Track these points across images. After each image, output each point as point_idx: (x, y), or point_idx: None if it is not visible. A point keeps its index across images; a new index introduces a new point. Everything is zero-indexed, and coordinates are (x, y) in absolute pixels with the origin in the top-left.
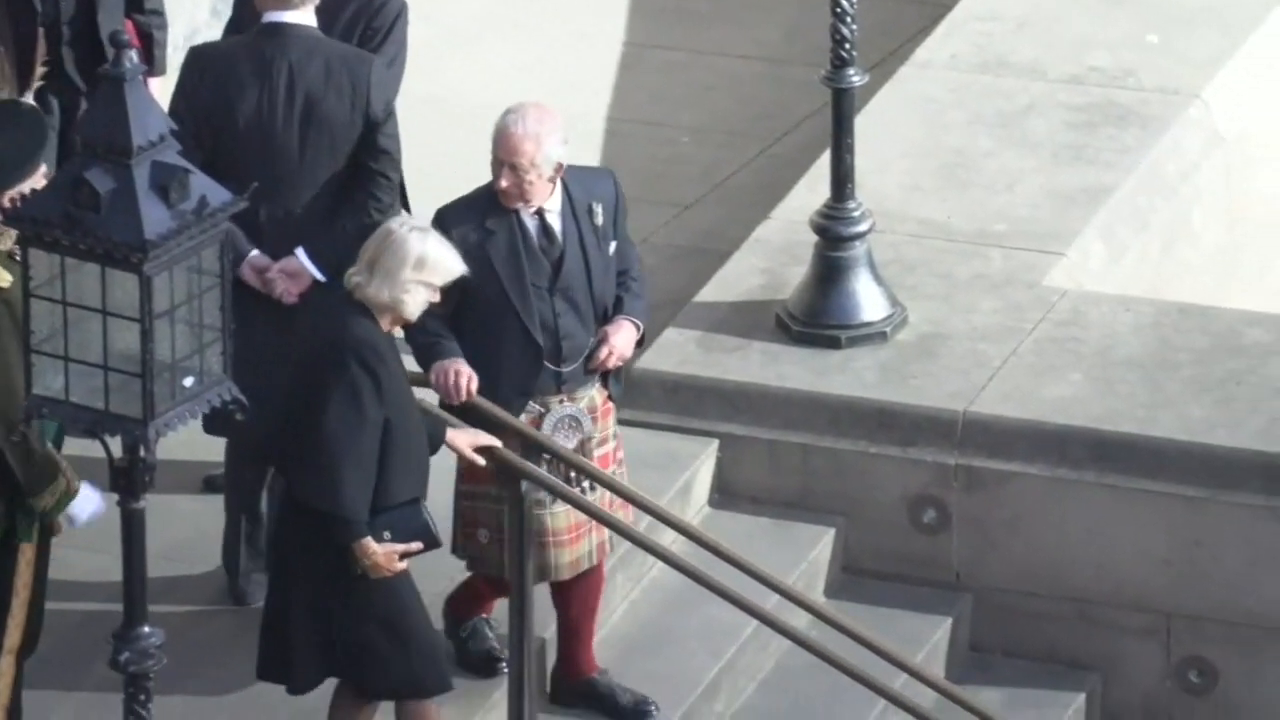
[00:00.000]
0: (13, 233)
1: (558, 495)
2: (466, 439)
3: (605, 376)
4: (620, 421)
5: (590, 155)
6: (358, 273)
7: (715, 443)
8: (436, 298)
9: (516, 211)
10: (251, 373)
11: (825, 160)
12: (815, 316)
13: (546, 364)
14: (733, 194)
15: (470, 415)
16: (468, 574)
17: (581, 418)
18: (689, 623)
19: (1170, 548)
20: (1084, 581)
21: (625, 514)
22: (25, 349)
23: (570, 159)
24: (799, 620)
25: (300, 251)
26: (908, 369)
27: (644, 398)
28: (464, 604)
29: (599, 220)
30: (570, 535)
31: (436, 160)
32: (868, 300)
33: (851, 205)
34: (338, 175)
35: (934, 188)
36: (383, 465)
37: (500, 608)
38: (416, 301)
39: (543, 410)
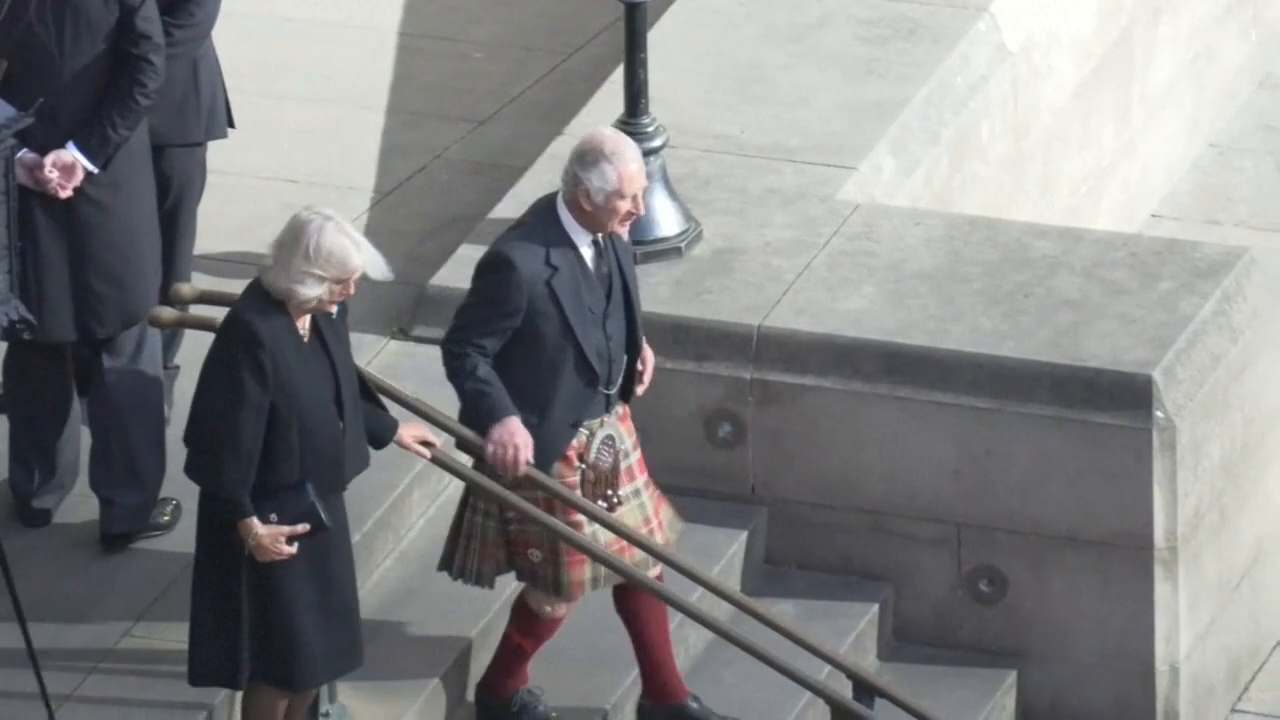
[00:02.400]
0: None
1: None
2: (411, 433)
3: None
4: (415, 339)
5: (383, 70)
6: (269, 255)
7: None
8: (347, 292)
9: (575, 243)
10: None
11: (619, 75)
12: None
13: (600, 389)
14: (527, 109)
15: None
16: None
17: (616, 435)
18: None
19: (960, 459)
20: (877, 493)
21: (660, 536)
22: None
23: (361, 74)
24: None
25: (71, 144)
26: (702, 284)
27: (439, 315)
28: (499, 683)
29: (627, 236)
30: (617, 547)
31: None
32: (662, 216)
33: (646, 120)
34: (101, 65)
35: (728, 102)
36: (269, 449)
37: (538, 674)
38: (312, 293)
39: (588, 434)
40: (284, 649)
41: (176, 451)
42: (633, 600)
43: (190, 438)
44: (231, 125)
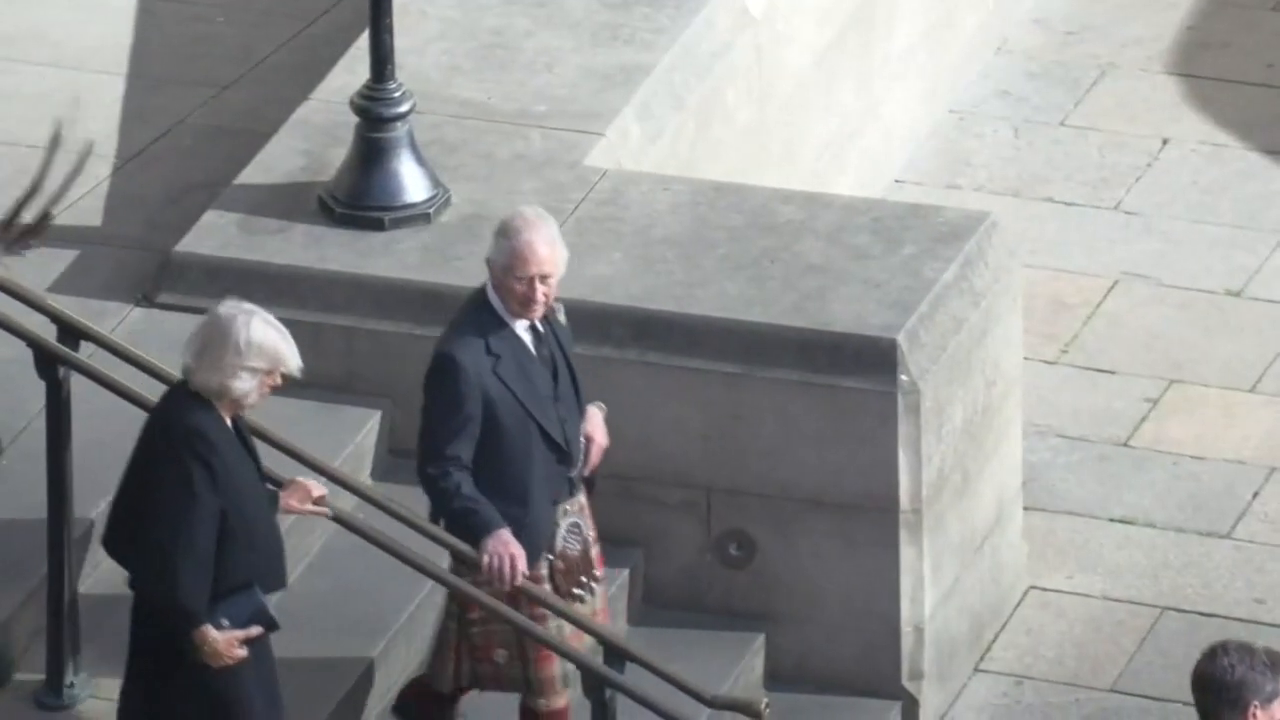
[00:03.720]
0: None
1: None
2: (297, 498)
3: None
4: (159, 305)
5: (121, 34)
6: (189, 359)
7: None
8: (273, 383)
9: (510, 327)
10: None
11: (364, 40)
12: (357, 198)
13: (566, 468)
14: (270, 74)
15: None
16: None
17: (581, 521)
18: None
19: (708, 423)
20: (625, 458)
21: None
22: None
23: (100, 39)
24: (346, 502)
25: None
26: (452, 250)
27: (184, 281)
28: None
29: (561, 315)
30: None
31: None
32: (410, 181)
33: (391, 86)
34: None
35: (473, 68)
36: (220, 553)
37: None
38: (246, 387)
39: (555, 521)
40: None
41: None
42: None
43: (142, 551)
44: None
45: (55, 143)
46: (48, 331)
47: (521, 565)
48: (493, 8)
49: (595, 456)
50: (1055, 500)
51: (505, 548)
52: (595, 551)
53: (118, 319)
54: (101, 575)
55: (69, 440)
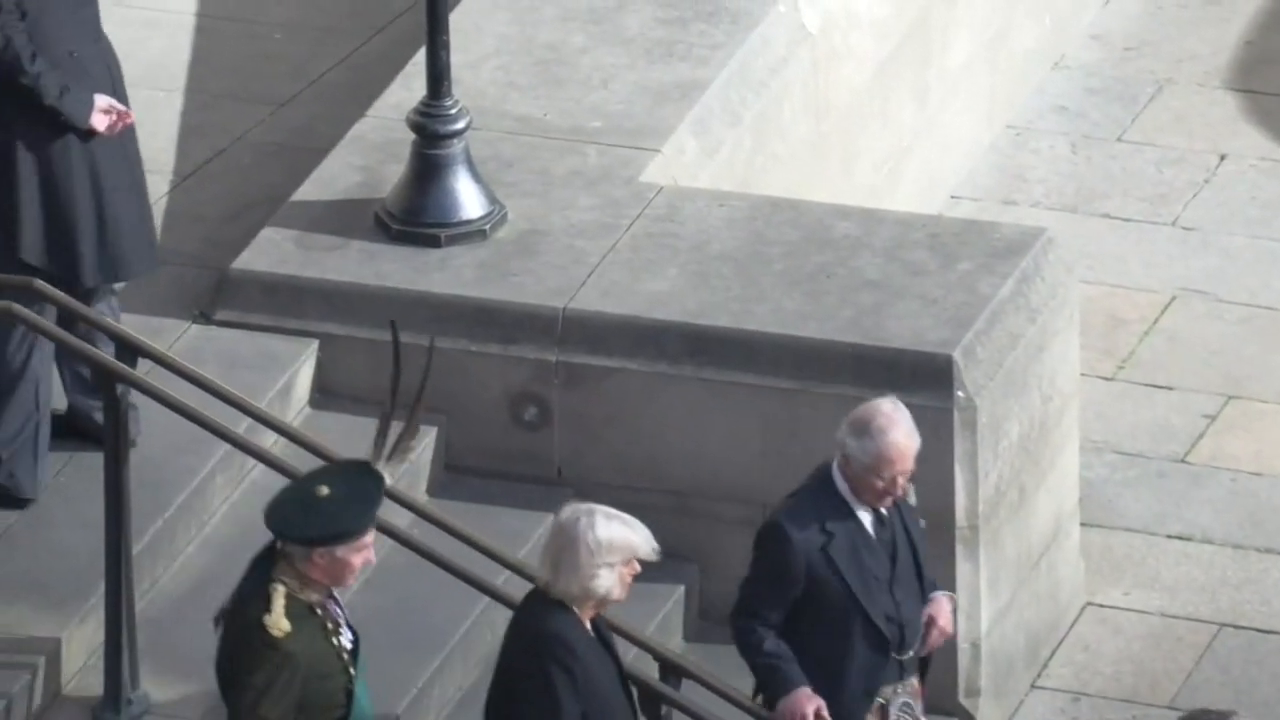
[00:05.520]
0: (321, 585)
1: None
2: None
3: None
4: (217, 323)
5: (180, 51)
6: (545, 571)
7: (315, 343)
8: (632, 571)
9: (852, 510)
10: None
11: (420, 57)
12: (414, 215)
13: (892, 655)
14: (327, 91)
15: None
16: None
17: (914, 702)
18: None
19: (765, 439)
20: (682, 474)
21: None
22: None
23: (158, 57)
24: (401, 519)
25: None
26: (507, 266)
27: (241, 298)
28: None
29: (912, 498)
30: None
31: None
32: (466, 198)
33: (448, 103)
34: None
35: (529, 84)
36: None
37: None
38: (607, 584)
39: (884, 702)
40: None
41: None
42: None
43: None
44: None
45: (397, 339)
46: (106, 349)
47: (823, 715)
48: (548, 24)
49: (935, 639)
50: (1112, 516)
51: (800, 705)
52: None
53: (175, 335)
54: (160, 591)
55: (127, 457)
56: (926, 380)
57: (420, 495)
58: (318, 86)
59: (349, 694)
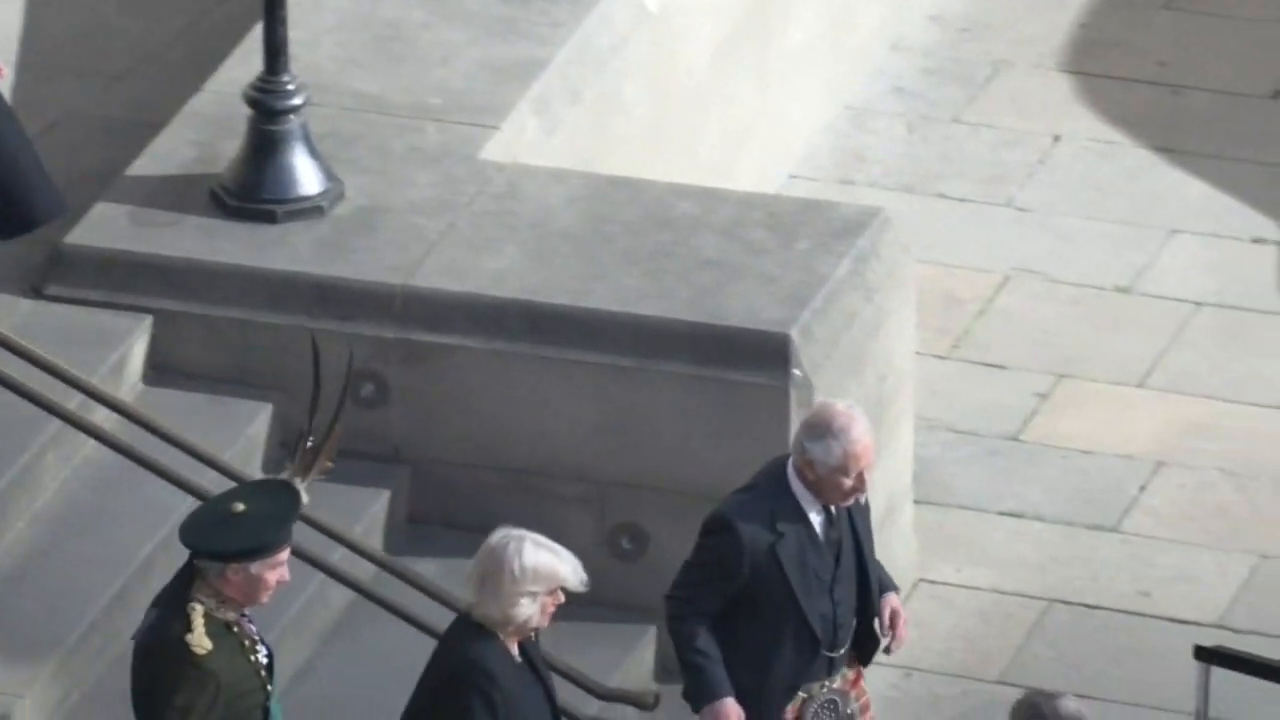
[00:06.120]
0: (236, 603)
1: None
2: None
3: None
4: (49, 298)
5: (10, 23)
6: (470, 592)
7: (149, 319)
8: (555, 602)
9: (804, 512)
10: None
11: (257, 32)
12: (250, 191)
13: (823, 653)
14: (163, 65)
15: None
16: None
17: (840, 700)
18: (123, 502)
19: (604, 417)
20: (521, 452)
21: None
22: None
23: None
24: None
25: None
26: (345, 243)
27: (74, 273)
28: None
29: (864, 498)
30: None
31: None
32: (304, 174)
33: (285, 78)
34: None
35: (368, 60)
36: None
37: None
38: (528, 612)
39: (805, 696)
40: None
41: None
42: None
43: None
44: None
45: (317, 358)
46: None
47: None
48: (388, 1)
49: (902, 629)
50: (945, 494)
51: (725, 716)
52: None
53: (7, 311)
54: None
55: None
56: (763, 359)
57: (255, 473)
58: (153, 61)
59: (266, 711)
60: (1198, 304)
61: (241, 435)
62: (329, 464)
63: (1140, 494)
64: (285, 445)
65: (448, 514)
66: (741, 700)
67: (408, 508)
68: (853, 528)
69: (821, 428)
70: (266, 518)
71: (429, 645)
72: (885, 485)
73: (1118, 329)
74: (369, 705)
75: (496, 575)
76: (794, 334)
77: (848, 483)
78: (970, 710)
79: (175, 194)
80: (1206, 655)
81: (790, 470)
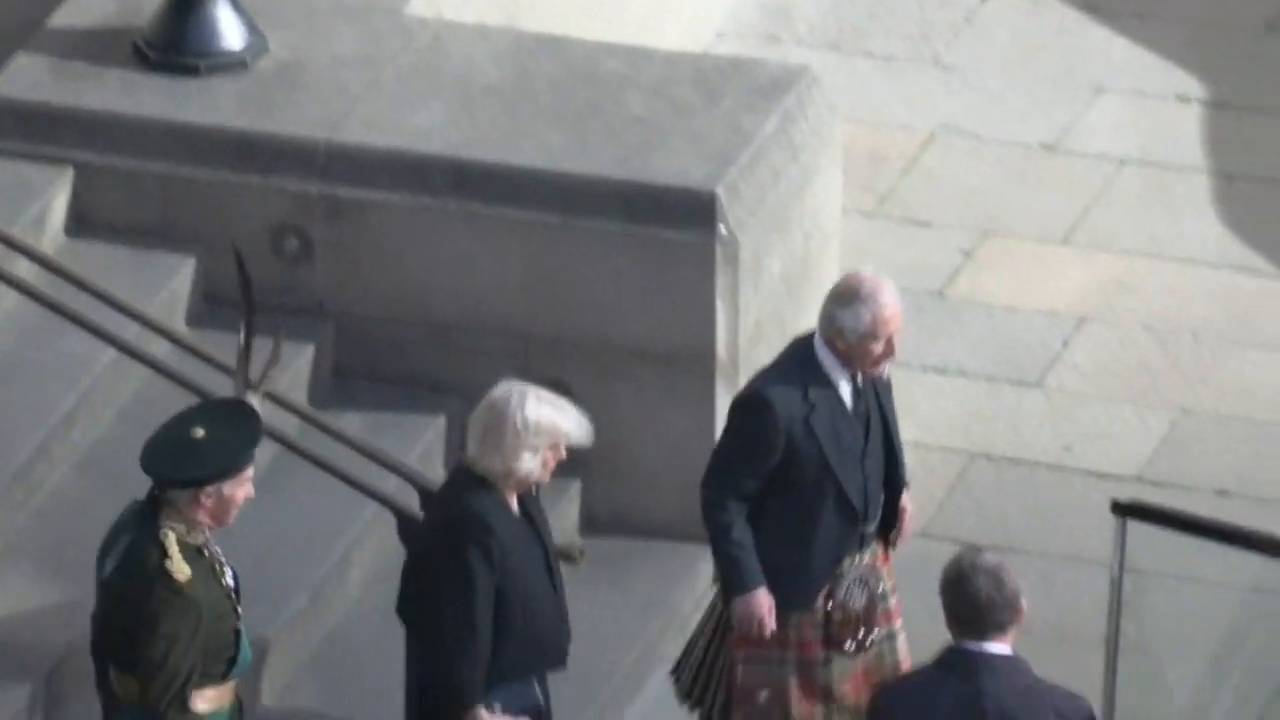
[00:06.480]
0: (204, 526)
1: None
2: None
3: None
4: None
5: None
6: (471, 445)
7: (70, 171)
8: (557, 457)
9: (833, 382)
10: None
11: None
12: (172, 44)
13: (858, 526)
14: None
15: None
16: None
17: (872, 576)
18: (45, 354)
19: (529, 274)
20: (445, 308)
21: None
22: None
23: None
24: (159, 349)
25: None
26: (269, 98)
27: None
28: None
29: (886, 372)
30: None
31: None
32: (226, 27)
33: None
34: None
35: None
36: (500, 633)
37: None
38: (530, 466)
39: (840, 573)
40: None
41: None
42: None
43: (424, 628)
44: None
45: (244, 268)
46: None
47: (768, 629)
48: None
49: (907, 526)
50: None
51: (756, 609)
52: (885, 607)
53: None
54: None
55: None
56: (690, 216)
57: (179, 326)
58: None
59: (237, 633)
60: (1122, 162)
61: (164, 289)
62: (274, 375)
63: (1063, 350)
64: (209, 299)
65: (372, 368)
66: (785, 579)
67: (332, 362)
68: (879, 402)
69: (849, 295)
70: (230, 438)
71: (354, 498)
72: None
73: (1042, 187)
74: (296, 556)
75: (499, 428)
76: (720, 192)
77: (878, 348)
78: (893, 563)
79: (97, 47)
80: (1124, 510)
81: (818, 344)
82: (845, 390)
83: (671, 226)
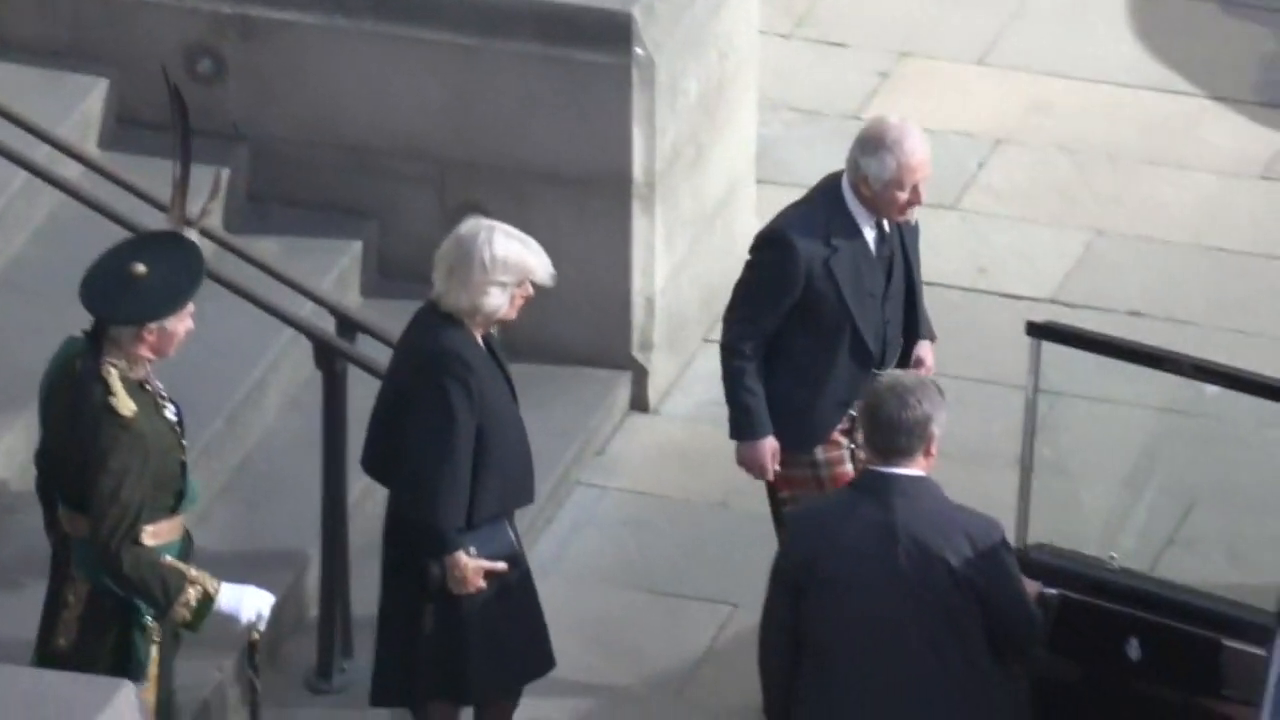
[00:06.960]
0: (146, 361)
1: None
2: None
3: None
4: None
5: None
6: (438, 282)
7: None
8: (524, 294)
9: (858, 226)
10: None
11: None
12: None
13: (872, 370)
14: None
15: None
16: None
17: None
18: None
19: (446, 96)
20: (361, 131)
21: None
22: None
23: None
24: (71, 171)
25: None
26: None
27: None
28: None
29: (914, 218)
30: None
31: None
32: None
33: None
34: None
35: None
36: (475, 475)
37: None
38: (497, 303)
39: (855, 414)
40: (458, 668)
41: None
42: None
43: (403, 471)
44: None
45: (179, 96)
46: None
47: (769, 474)
48: None
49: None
50: (787, 173)
51: (760, 457)
52: None
53: None
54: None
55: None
56: (606, 37)
57: (91, 148)
58: None
59: (183, 466)
60: None
61: (76, 109)
62: (211, 208)
63: (979, 171)
64: (121, 121)
65: (287, 191)
66: (795, 417)
67: (247, 186)
68: (903, 247)
69: (875, 142)
70: (173, 274)
71: (269, 323)
72: (727, 165)
73: (959, 6)
74: (211, 381)
75: (465, 265)
76: (636, 12)
77: (903, 196)
78: None
79: None
80: (1038, 331)
81: (845, 186)
82: (869, 234)
83: (588, 48)
